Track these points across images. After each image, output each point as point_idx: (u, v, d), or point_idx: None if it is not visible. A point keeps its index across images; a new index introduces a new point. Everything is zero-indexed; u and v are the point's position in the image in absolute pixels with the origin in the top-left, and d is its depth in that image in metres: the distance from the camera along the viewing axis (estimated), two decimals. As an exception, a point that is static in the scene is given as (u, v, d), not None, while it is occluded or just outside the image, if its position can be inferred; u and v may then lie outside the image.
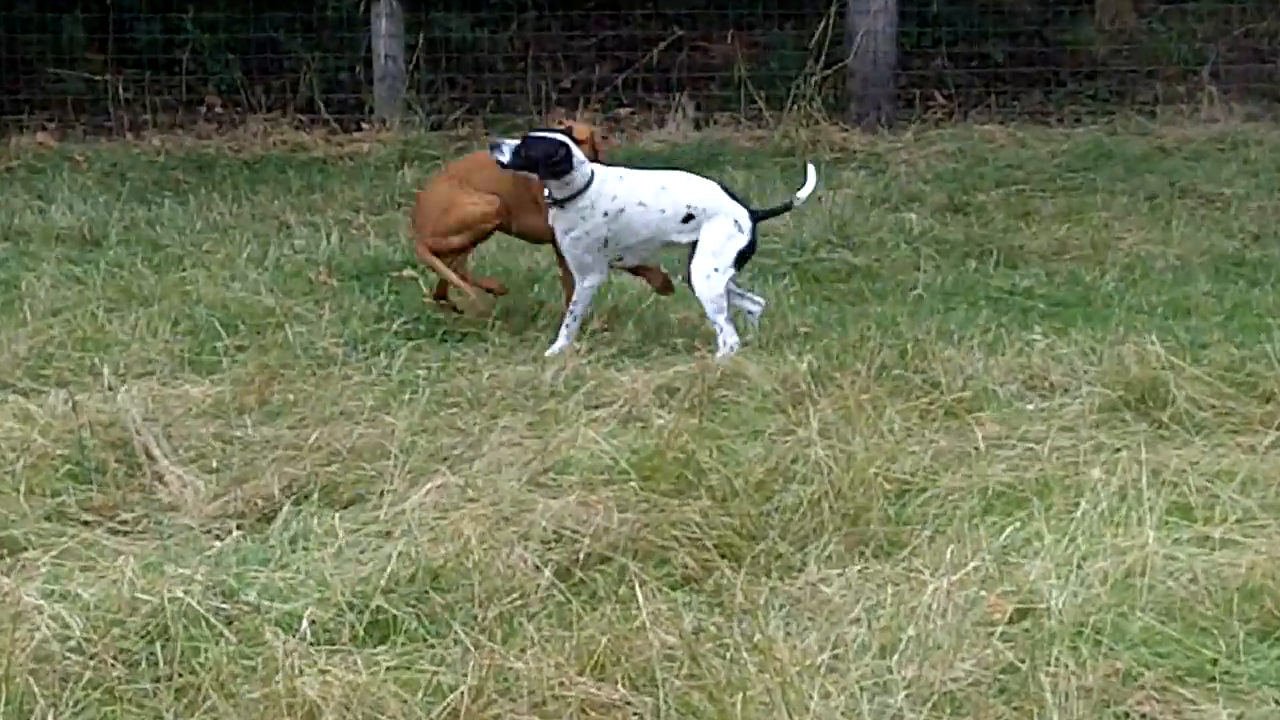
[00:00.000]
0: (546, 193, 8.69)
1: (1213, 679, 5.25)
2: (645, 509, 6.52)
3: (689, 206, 8.78)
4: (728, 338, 8.61)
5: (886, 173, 13.27)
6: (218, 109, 15.15)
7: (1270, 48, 16.36)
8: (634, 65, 15.45)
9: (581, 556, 6.21)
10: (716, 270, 8.63)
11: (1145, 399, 7.62)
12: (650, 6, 16.17)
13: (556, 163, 8.54)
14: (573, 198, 8.72)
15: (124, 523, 6.74)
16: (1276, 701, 5.22)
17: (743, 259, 8.77)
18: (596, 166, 8.84)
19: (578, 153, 8.68)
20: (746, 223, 8.71)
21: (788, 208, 9.47)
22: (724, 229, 8.71)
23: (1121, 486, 6.52)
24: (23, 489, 6.85)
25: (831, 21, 14.47)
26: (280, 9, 15.63)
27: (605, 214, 8.78)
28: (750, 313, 8.93)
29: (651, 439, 7.24)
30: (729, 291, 8.74)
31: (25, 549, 6.41)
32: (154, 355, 8.65)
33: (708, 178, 9.22)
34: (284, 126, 14.56)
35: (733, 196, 8.88)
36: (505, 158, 8.71)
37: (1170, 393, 7.59)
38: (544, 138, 8.66)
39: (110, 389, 7.90)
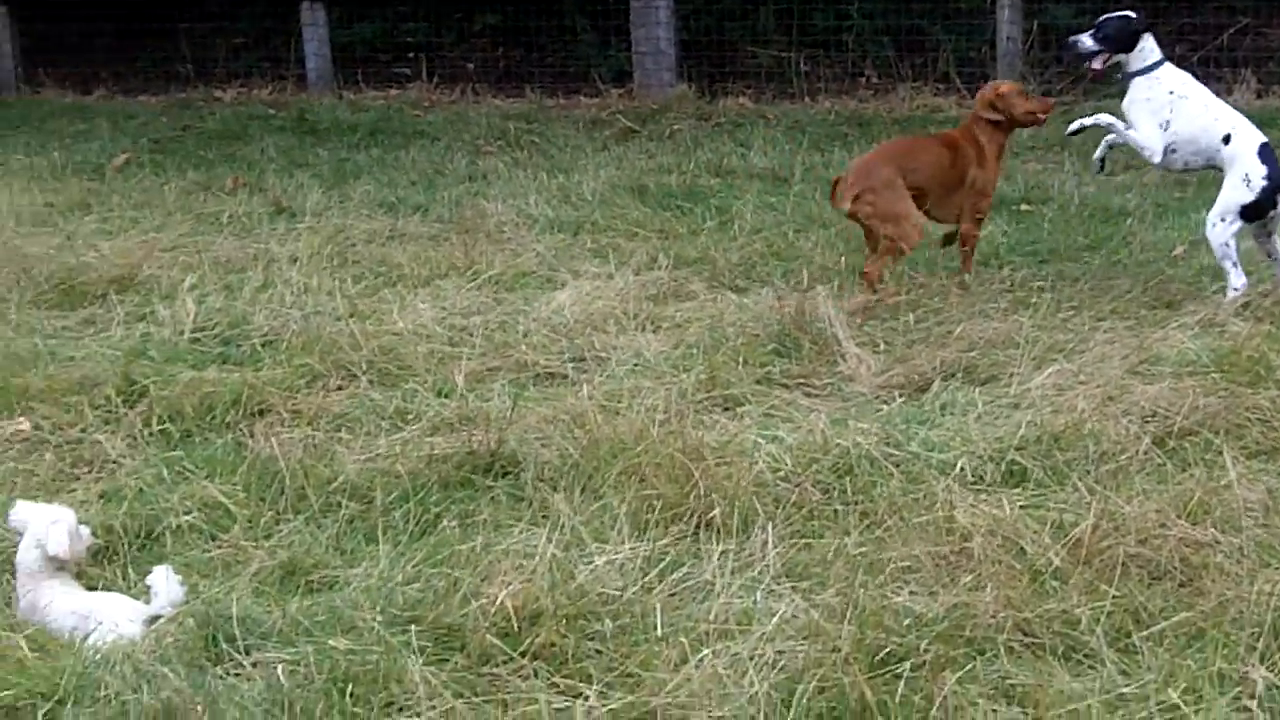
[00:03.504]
0: (1120, 70, 8.32)
1: None
2: (1224, 395, 6.64)
3: (1232, 129, 8.21)
4: (1234, 281, 8.07)
5: None
6: (874, 79, 15.41)
7: None
8: (1207, 46, 15.25)
9: (1174, 429, 6.37)
10: (1223, 220, 8.09)
11: None
12: (1221, 1, 15.97)
13: (1130, 34, 8.20)
14: (1143, 72, 8.32)
15: (814, 388, 7.17)
16: None
17: (1252, 213, 8.10)
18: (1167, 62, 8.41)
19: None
20: (1259, 181, 8.05)
21: None
22: (1238, 177, 8.10)
23: None
24: (740, 360, 7.36)
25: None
26: (925, 1, 15.93)
27: (1170, 93, 8.33)
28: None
29: (1228, 341, 7.36)
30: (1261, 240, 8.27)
31: (743, 404, 6.92)
32: (831, 265, 9.03)
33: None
34: (925, 93, 14.76)
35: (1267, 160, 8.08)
36: (1089, 44, 8.38)
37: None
38: (1116, 15, 8.27)
39: (804, 288, 8.36)
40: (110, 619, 4.96)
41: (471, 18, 17.22)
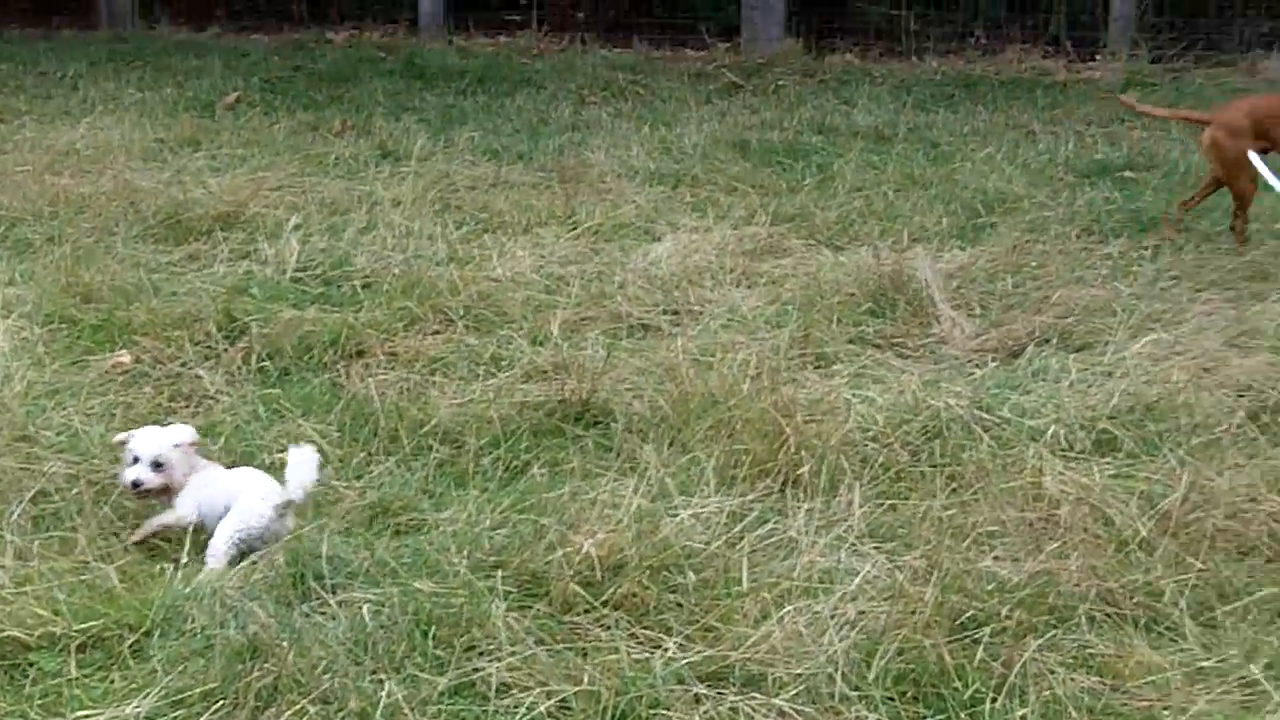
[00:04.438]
0: None
1: None
2: (1326, 373, 6.47)
3: None
4: None
5: None
6: (983, 40, 15.28)
7: None
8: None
9: (1270, 404, 6.27)
10: None
11: None
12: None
13: None
14: None
15: (908, 349, 7.10)
16: None
17: None
18: None
19: None
20: None
21: None
22: None
23: None
24: (834, 318, 7.30)
25: None
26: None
27: None
28: None
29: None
30: None
31: (835, 362, 6.86)
32: (930, 226, 8.96)
33: None
34: (1034, 55, 14.62)
35: None
36: None
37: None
38: None
39: (901, 248, 8.29)
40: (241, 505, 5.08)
41: (584, -32, 17.13)
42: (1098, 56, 14.38)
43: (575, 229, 8.84)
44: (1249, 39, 14.48)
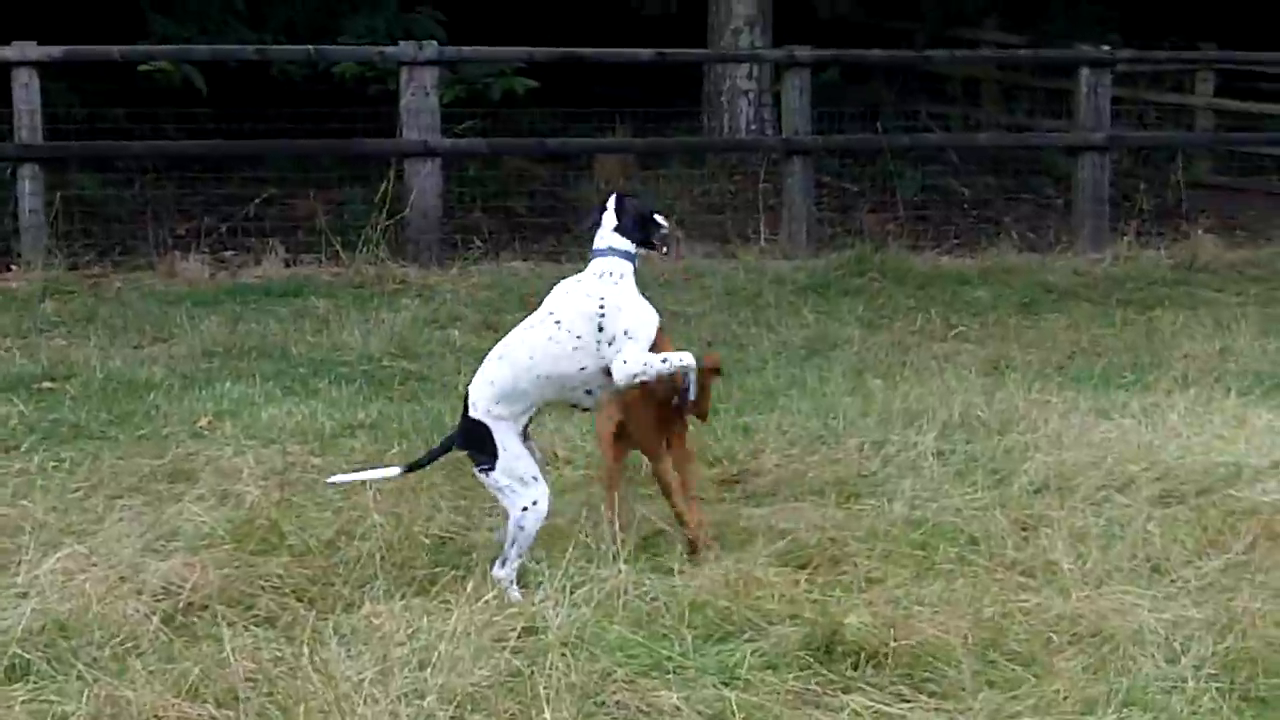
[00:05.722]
0: None
1: (669, 672, 5.74)
2: (237, 565, 6.64)
3: None
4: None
5: (436, 299, 13.38)
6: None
7: (720, 203, 17.26)
8: (235, 217, 15.60)
9: (184, 605, 6.30)
10: None
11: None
12: (248, 170, 16.49)
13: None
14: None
15: None
16: (715, 686, 5.63)
17: None
18: None
19: None
20: None
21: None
22: None
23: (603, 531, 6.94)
24: None
25: (391, 183, 14.73)
26: (-65, 172, 15.55)
27: None
28: None
29: (245, 511, 7.34)
30: None
31: None
32: None
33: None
34: (-48, 269, 14.12)
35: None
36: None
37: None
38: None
39: None
40: None
41: None
42: (14, 267, 14.18)
43: None
44: (164, 241, 14.69)
